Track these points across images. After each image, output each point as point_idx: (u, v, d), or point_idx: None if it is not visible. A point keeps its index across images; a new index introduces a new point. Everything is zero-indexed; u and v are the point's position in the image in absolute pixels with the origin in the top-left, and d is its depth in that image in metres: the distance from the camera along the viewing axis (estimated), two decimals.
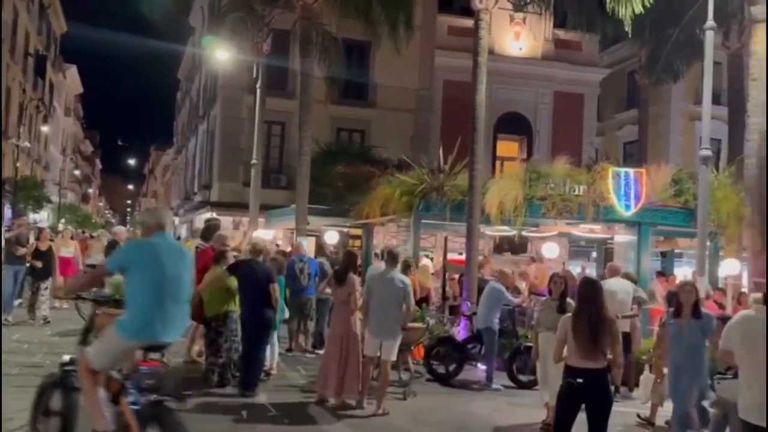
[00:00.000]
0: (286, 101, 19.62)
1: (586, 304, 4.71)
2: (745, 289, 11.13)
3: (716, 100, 19.87)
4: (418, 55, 21.93)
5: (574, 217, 12.25)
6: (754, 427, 4.25)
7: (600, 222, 12.57)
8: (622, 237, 13.59)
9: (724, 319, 5.91)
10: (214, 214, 18.74)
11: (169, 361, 7.03)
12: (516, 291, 11.79)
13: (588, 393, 4.49)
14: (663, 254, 15.69)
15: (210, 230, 8.88)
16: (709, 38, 9.98)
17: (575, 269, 16.08)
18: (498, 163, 22.57)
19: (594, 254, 17.66)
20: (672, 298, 9.03)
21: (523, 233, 14.09)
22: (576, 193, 12.05)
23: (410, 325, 7.62)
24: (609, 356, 4.66)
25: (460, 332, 10.48)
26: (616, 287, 8.54)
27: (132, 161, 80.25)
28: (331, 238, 14.40)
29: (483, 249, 16.13)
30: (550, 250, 13.43)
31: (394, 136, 20.92)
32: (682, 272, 16.01)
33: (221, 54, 16.45)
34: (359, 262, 14.58)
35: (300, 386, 8.01)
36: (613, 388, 4.98)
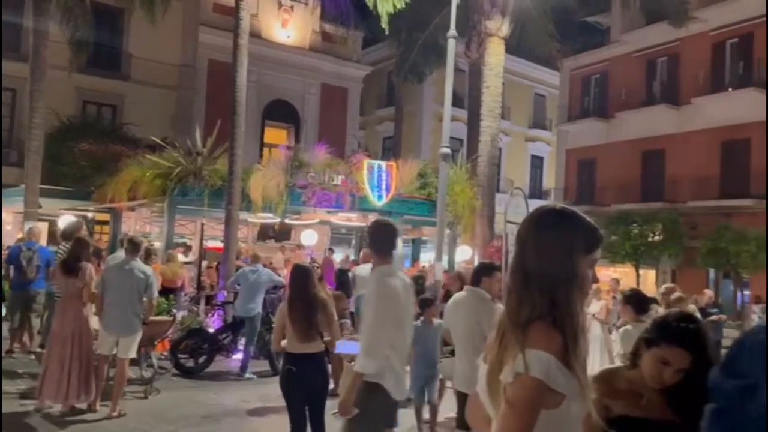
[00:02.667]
0: (19, 65, 16.95)
1: (299, 288, 4.75)
2: None
3: (461, 104, 22.25)
4: (180, 28, 20.69)
5: (333, 206, 12.67)
6: (464, 395, 4.73)
7: (356, 211, 13.18)
8: None
9: None
10: None
11: None
12: None
13: (305, 377, 4.55)
14: (413, 241, 17.06)
15: None
16: (451, 46, 11.00)
17: (338, 256, 16.73)
18: (266, 149, 22.39)
19: (354, 241, 18.57)
20: (415, 283, 9.85)
21: (287, 221, 14.18)
22: (335, 182, 12.46)
23: (153, 318, 7.10)
24: (327, 338, 4.77)
25: (214, 322, 10.14)
26: (366, 272, 9.00)
27: None
28: (67, 223, 12.79)
29: (246, 236, 15.88)
30: (309, 238, 13.71)
31: (152, 114, 19.42)
32: (428, 258, 17.65)
33: None
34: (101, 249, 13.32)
35: (21, 392, 6.98)
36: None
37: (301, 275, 4.85)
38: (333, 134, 21.75)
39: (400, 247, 14.51)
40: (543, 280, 1.54)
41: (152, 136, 14.72)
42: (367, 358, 3.50)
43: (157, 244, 12.23)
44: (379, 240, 3.86)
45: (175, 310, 7.98)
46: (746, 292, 18.85)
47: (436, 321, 6.34)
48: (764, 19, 20.28)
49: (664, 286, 10.55)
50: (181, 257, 11.63)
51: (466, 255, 13.04)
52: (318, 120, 24.05)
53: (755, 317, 13.79)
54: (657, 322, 2.19)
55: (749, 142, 20.14)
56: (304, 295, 4.69)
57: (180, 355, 8.63)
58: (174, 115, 20.70)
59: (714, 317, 12.87)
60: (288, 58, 22.80)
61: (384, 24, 11.82)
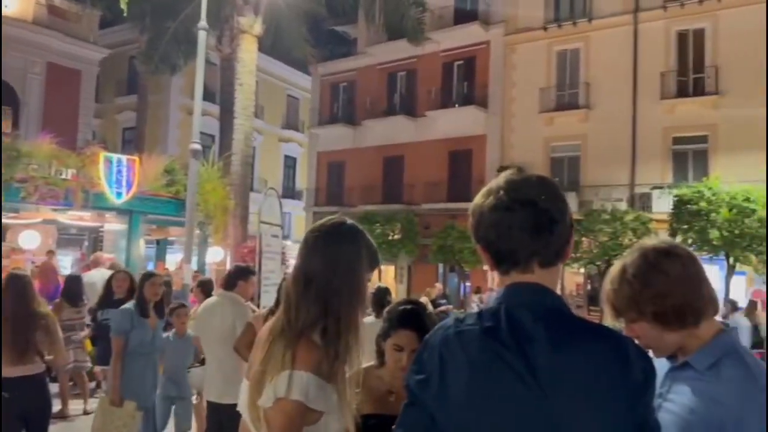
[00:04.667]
0: None
1: (12, 302, 4.05)
2: None
3: (213, 98, 21.48)
4: None
5: (60, 203, 11.14)
6: (215, 405, 4.50)
7: (90, 209, 11.80)
8: (114, 225, 13.13)
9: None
10: None
11: None
12: None
13: (21, 402, 3.90)
14: (158, 242, 15.93)
15: None
16: (202, 38, 10.49)
17: (65, 259, 14.80)
18: None
19: (86, 243, 16.61)
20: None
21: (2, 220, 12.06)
22: (64, 176, 10.98)
23: None
24: (49, 357, 4.18)
25: None
26: (97, 278, 8.10)
27: None
28: None
29: None
30: (30, 240, 11.84)
31: None
32: (175, 260, 16.66)
33: None
34: None
35: None
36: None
37: (15, 286, 4.09)
38: (62, 121, 19.24)
39: (143, 248, 13.43)
40: (325, 290, 1.55)
41: None
42: None
43: None
44: None
45: None
46: (467, 284, 21.60)
47: (189, 332, 5.89)
48: (484, 46, 23.49)
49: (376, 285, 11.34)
50: None
51: (217, 256, 12.57)
52: (43, 104, 21.00)
53: (474, 305, 15.80)
54: (384, 316, 2.29)
55: (471, 152, 23.10)
56: (20, 310, 3.98)
57: None
58: None
59: (443, 307, 14.48)
60: (5, 31, 19.50)
61: (122, 5, 10.79)
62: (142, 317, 4.78)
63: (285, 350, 1.48)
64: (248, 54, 13.17)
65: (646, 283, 1.43)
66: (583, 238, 17.59)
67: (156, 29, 17.73)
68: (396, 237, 22.05)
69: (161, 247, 15.57)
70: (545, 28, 21.99)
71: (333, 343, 1.51)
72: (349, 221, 1.70)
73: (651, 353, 1.44)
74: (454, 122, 23.38)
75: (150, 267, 13.69)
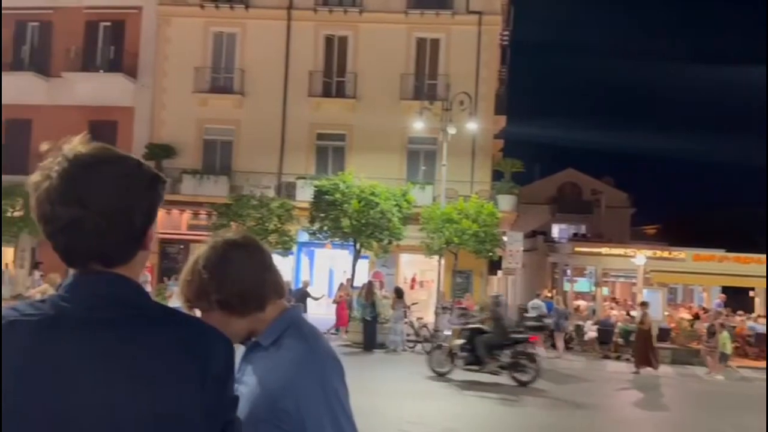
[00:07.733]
0: None
1: None
2: None
3: None
4: None
5: None
6: None
7: None
8: None
9: None
10: None
11: None
12: None
13: None
14: None
15: None
16: None
17: None
18: None
19: None
20: None
21: None
22: None
23: None
24: None
25: None
26: None
27: None
28: None
29: None
30: None
31: None
32: None
33: None
34: None
35: None
36: None
37: None
38: None
39: None
40: None
41: None
42: None
43: None
44: None
45: None
46: None
47: None
48: (135, 11, 21.71)
49: None
50: None
51: None
52: None
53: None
54: None
55: (116, 124, 21.18)
56: None
57: None
58: None
59: None
60: None
61: None
62: None
63: None
64: None
65: (212, 273, 1.49)
66: (232, 223, 17.82)
67: None
68: (17, 213, 18.90)
69: None
70: (202, 6, 21.50)
71: None
72: None
73: None
74: (97, 89, 21.10)
75: None
